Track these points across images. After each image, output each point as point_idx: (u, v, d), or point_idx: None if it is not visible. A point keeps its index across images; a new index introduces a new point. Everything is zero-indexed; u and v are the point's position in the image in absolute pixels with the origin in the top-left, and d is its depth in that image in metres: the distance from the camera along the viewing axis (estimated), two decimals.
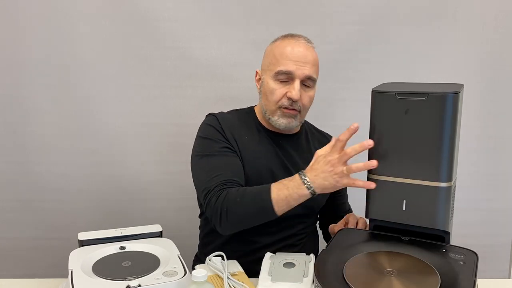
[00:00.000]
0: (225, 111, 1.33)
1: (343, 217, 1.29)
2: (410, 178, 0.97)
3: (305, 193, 1.05)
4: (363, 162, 1.01)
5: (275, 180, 1.11)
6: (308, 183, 1.04)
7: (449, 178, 0.95)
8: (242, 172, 1.18)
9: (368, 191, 1.04)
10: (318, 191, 1.05)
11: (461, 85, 0.99)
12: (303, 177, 1.05)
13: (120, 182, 1.67)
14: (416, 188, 0.97)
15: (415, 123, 0.95)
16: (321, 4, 1.60)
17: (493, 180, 1.71)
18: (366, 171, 1.03)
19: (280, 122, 1.21)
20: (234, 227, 1.11)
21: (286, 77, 1.19)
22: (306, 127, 1.36)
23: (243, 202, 1.07)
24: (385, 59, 1.63)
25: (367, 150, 1.03)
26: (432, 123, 0.93)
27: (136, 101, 1.63)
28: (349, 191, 1.40)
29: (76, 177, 1.66)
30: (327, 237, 1.38)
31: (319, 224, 1.42)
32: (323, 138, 1.36)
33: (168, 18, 1.58)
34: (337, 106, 1.67)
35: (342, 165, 1.02)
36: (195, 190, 1.22)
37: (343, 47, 1.62)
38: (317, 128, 1.40)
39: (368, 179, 1.03)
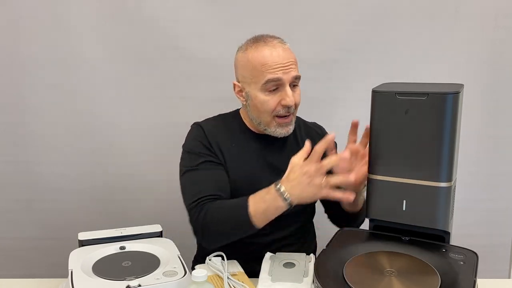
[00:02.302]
0: (224, 111, 1.32)
1: (349, 211, 1.24)
2: (410, 178, 0.97)
3: (281, 205, 1.03)
4: (341, 175, 1.02)
5: (263, 184, 1.11)
6: (285, 195, 1.03)
7: (449, 178, 0.95)
8: (225, 184, 1.18)
9: (368, 191, 1.04)
10: (295, 202, 1.03)
11: (461, 85, 0.99)
12: (279, 189, 1.03)
13: (120, 182, 1.67)
14: (416, 188, 0.97)
15: (415, 123, 0.95)
16: (321, 4, 1.59)
17: (493, 180, 1.71)
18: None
19: (278, 132, 1.20)
20: (216, 242, 1.11)
21: (275, 85, 1.16)
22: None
23: (221, 219, 1.08)
24: (385, 59, 1.63)
25: (368, 150, 1.03)
26: (432, 123, 0.93)
27: (136, 101, 1.63)
28: None
29: (76, 177, 1.66)
30: (339, 220, 1.33)
31: (329, 217, 1.36)
32: (309, 129, 1.35)
33: (168, 18, 1.58)
34: (337, 106, 1.67)
35: (320, 176, 1.01)
36: None
37: (343, 47, 1.62)
38: (305, 121, 1.37)
39: (368, 179, 1.03)
